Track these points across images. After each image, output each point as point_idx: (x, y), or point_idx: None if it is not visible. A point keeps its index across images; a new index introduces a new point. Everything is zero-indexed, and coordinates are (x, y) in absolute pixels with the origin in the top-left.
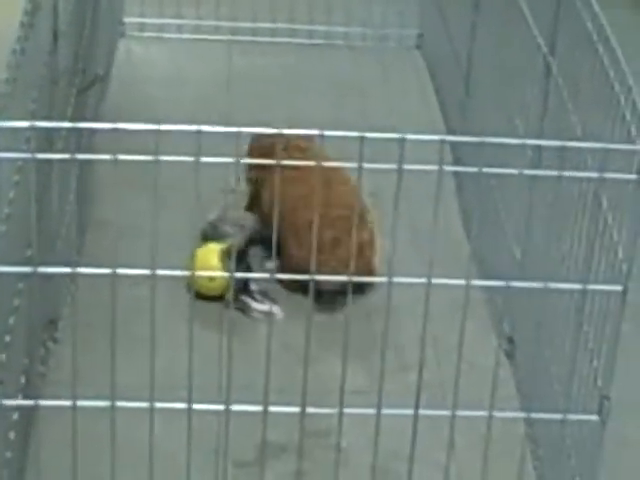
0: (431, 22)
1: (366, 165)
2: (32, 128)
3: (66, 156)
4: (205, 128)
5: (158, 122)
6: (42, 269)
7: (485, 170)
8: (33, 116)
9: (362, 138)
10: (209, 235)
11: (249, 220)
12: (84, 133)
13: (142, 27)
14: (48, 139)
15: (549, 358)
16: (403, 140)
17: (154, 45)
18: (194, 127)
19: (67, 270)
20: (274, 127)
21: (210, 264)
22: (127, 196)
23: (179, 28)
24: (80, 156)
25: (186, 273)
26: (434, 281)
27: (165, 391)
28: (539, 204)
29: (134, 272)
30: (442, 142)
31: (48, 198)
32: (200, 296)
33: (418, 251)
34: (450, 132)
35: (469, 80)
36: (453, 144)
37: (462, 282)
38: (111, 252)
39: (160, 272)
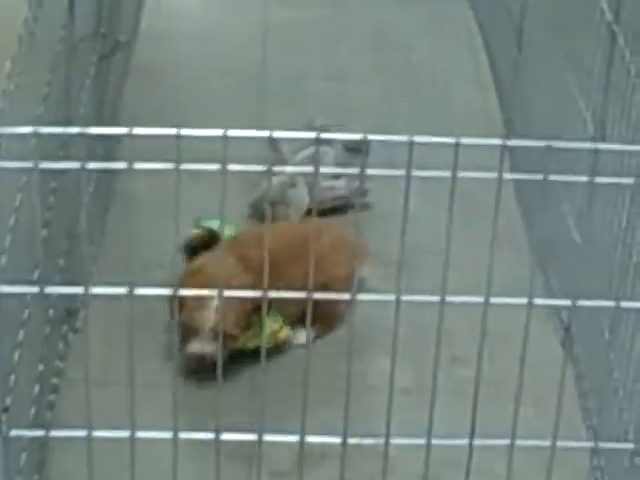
0: None
1: (415, 173)
2: (36, 134)
3: (76, 165)
4: (232, 133)
5: (187, 85)
6: (50, 289)
7: (552, 178)
8: (46, 99)
9: (412, 143)
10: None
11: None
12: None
13: None
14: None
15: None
16: (457, 145)
17: None
18: (219, 132)
19: (79, 290)
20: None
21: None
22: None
23: None
24: (92, 165)
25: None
26: (493, 300)
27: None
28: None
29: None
30: (503, 148)
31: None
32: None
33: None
34: (500, 92)
35: (522, 35)
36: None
37: (524, 301)
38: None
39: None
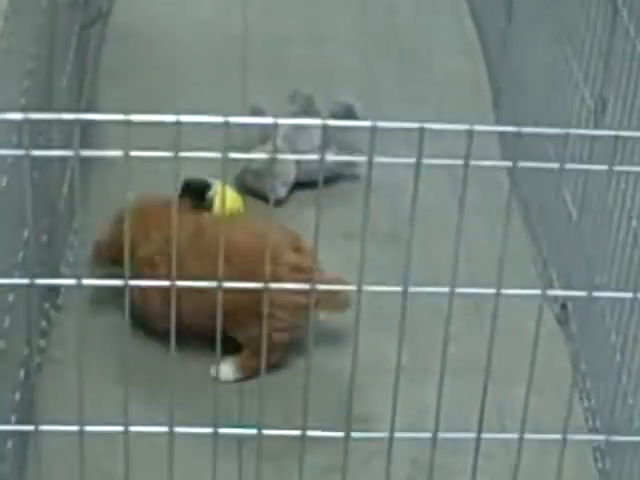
0: None
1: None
2: (26, 121)
3: (69, 153)
4: (234, 119)
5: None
6: (40, 281)
7: (550, 165)
8: (31, 74)
9: (422, 130)
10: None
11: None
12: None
13: None
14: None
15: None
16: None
17: None
18: (220, 119)
19: (71, 282)
20: None
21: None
22: None
23: None
24: (85, 152)
25: None
26: (504, 292)
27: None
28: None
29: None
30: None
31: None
32: None
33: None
34: (488, 60)
35: (511, 4)
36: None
37: (537, 292)
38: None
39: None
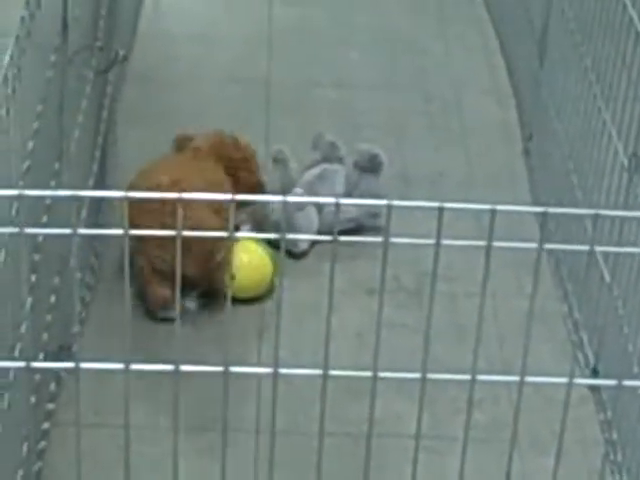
0: None
1: (445, 242)
2: (20, 197)
3: (66, 231)
4: (240, 197)
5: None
6: (35, 364)
7: (600, 249)
8: (37, 133)
9: (441, 209)
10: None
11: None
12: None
13: None
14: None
15: None
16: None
17: None
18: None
19: (69, 365)
20: None
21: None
22: None
23: None
24: (82, 231)
25: None
26: (529, 379)
27: None
28: None
29: None
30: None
31: None
32: None
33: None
34: (519, 104)
35: (545, 45)
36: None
37: (564, 380)
38: None
39: None
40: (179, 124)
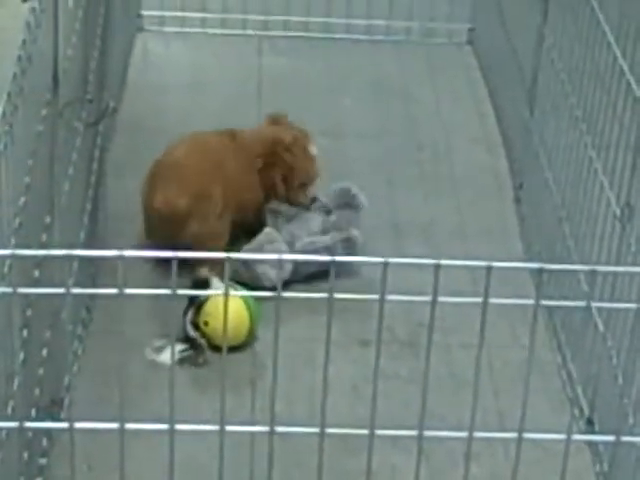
0: (485, 14)
1: (442, 299)
2: (13, 256)
3: (60, 291)
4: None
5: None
6: (29, 424)
7: (596, 305)
8: (28, 189)
9: (438, 267)
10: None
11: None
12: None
13: (162, 21)
14: None
15: None
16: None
17: (174, 42)
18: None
19: (63, 425)
20: None
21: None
22: None
23: (203, 22)
24: (76, 290)
25: None
26: (527, 436)
27: None
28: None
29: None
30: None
31: None
32: None
33: None
34: (509, 152)
35: (535, 94)
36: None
37: (562, 437)
38: None
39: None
40: None
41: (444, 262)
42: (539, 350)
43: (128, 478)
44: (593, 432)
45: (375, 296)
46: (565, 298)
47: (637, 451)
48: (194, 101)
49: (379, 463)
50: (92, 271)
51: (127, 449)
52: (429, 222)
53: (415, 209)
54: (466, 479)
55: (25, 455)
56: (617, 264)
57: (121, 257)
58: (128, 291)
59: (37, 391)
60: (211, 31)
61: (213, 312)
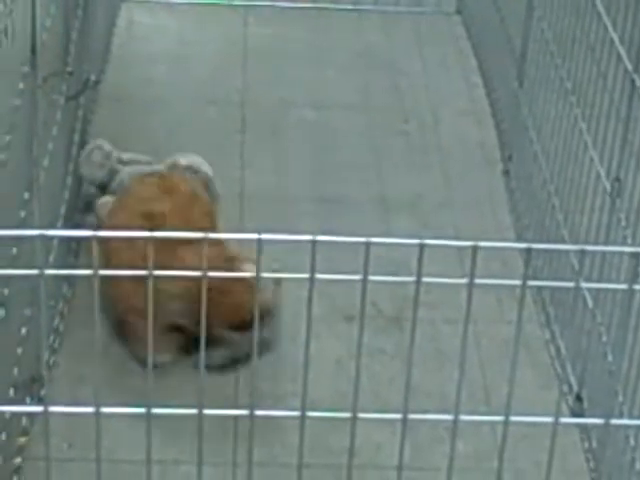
0: None
1: (426, 279)
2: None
3: (34, 272)
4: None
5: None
6: (4, 408)
7: (586, 285)
8: (2, 165)
9: (422, 246)
10: None
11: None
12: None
13: None
14: None
15: None
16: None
17: (159, 12)
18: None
19: (38, 409)
20: None
21: None
22: None
23: None
24: (50, 271)
25: None
26: (514, 419)
27: None
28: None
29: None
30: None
31: None
32: None
33: None
34: (498, 123)
35: (524, 65)
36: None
37: (550, 419)
38: None
39: None
40: (153, 146)
41: (429, 242)
42: (527, 325)
43: (107, 455)
44: (582, 409)
45: (358, 276)
46: (554, 271)
47: (626, 430)
48: (179, 72)
49: (362, 440)
50: (74, 246)
51: (106, 425)
52: (417, 195)
53: (402, 182)
54: (452, 459)
55: (3, 435)
56: (607, 239)
57: (95, 237)
58: (102, 272)
59: (15, 370)
60: (196, 1)
61: None
